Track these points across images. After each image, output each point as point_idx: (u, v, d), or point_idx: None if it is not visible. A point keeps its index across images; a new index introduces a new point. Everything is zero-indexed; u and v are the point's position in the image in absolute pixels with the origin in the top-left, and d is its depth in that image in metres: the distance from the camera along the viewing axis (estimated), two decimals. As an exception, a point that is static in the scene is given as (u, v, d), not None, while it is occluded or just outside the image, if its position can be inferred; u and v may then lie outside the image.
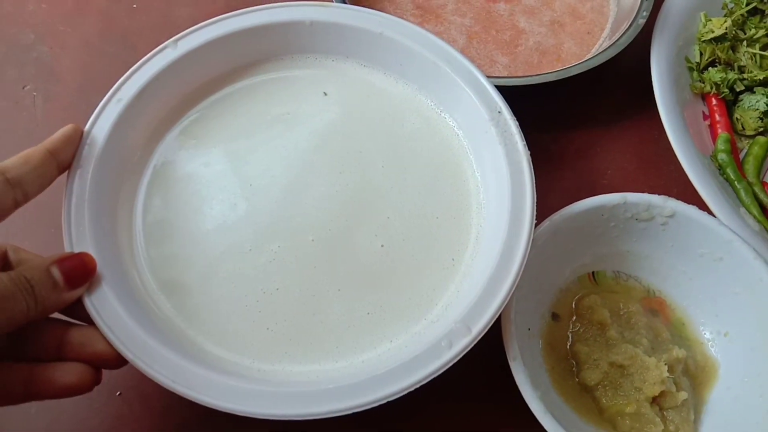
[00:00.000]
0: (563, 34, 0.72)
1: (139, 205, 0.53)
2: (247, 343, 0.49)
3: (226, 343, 0.49)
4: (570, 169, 0.68)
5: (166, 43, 0.57)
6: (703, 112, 0.70)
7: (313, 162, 0.56)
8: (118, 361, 0.44)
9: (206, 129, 0.57)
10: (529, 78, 0.62)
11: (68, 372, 0.43)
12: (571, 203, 0.60)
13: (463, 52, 0.68)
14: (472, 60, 0.58)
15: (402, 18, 0.69)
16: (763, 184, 0.65)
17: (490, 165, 0.55)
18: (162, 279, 0.50)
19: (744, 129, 0.69)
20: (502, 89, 0.56)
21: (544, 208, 0.57)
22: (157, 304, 0.49)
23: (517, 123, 0.55)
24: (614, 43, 0.65)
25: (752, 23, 0.74)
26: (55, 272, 0.43)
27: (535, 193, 0.52)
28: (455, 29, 0.71)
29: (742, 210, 0.61)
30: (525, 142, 0.54)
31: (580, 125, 0.70)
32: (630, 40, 0.65)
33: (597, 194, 0.65)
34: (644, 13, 0.67)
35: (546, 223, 0.55)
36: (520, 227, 0.50)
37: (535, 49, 0.70)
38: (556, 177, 0.67)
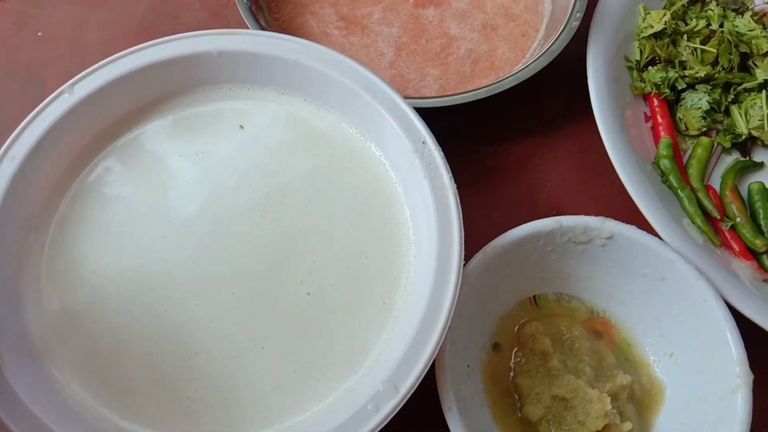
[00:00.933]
0: (496, 39, 0.68)
1: (43, 276, 0.49)
2: (165, 417, 0.46)
3: (143, 418, 0.46)
4: (509, 184, 0.65)
5: (61, 88, 0.53)
6: (645, 113, 0.67)
7: (231, 206, 0.53)
8: None
9: (112, 179, 0.53)
10: (458, 96, 0.59)
11: None
12: (511, 219, 0.58)
13: (391, 65, 0.65)
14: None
15: (326, 30, 0.66)
16: (707, 188, 0.63)
17: (419, 198, 0.52)
18: (71, 355, 0.47)
19: (687, 129, 0.66)
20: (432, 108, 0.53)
21: (484, 227, 0.56)
22: (67, 382, 0.46)
23: (443, 154, 0.52)
24: (546, 50, 0.61)
25: (693, 13, 0.71)
26: None
27: (462, 230, 0.49)
28: (382, 41, 0.67)
29: (686, 221, 0.59)
30: (451, 175, 0.51)
31: (518, 135, 0.67)
32: (563, 46, 0.62)
33: (537, 208, 0.63)
34: (577, 15, 0.63)
35: (478, 256, 0.52)
36: (447, 270, 0.48)
37: (467, 57, 0.67)
38: (496, 192, 0.64)
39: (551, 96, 0.68)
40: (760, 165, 0.66)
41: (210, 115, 0.57)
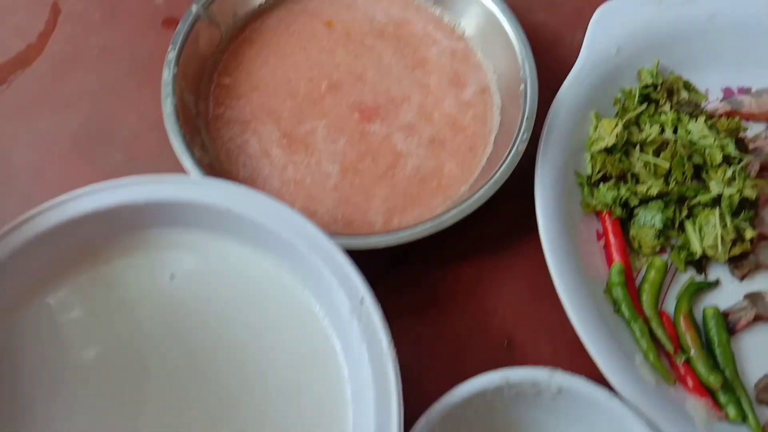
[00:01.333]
0: (444, 154, 0.66)
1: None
2: None
3: None
4: (459, 310, 0.63)
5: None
6: (598, 231, 0.65)
7: (156, 368, 0.50)
8: None
9: (20, 349, 0.50)
10: (403, 234, 0.57)
11: None
12: (460, 352, 0.57)
13: (336, 188, 0.63)
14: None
15: (269, 150, 0.63)
16: (661, 315, 0.61)
17: (356, 360, 0.50)
18: None
19: (641, 247, 0.64)
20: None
21: (431, 363, 0.58)
22: None
23: (382, 314, 0.49)
24: (491, 178, 0.59)
25: (646, 117, 0.69)
26: None
27: (401, 402, 0.47)
28: (327, 160, 0.64)
29: (639, 358, 0.57)
30: (391, 339, 0.48)
31: (468, 255, 0.65)
32: (509, 173, 0.60)
33: (488, 337, 0.62)
34: (524, 136, 0.61)
35: (422, 421, 0.50)
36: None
37: (414, 176, 0.64)
38: (445, 321, 0.62)
39: (502, 211, 0.66)
40: (716, 284, 0.64)
41: (138, 265, 0.54)
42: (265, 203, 0.52)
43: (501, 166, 0.60)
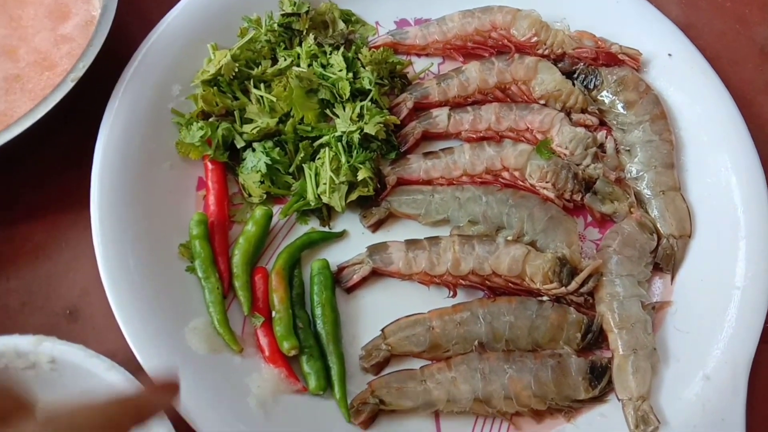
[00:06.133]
0: (21, 95, 0.55)
1: None
2: None
3: None
4: (21, 278, 0.52)
5: None
6: (201, 178, 0.56)
7: None
8: None
9: None
10: None
11: None
12: (12, 327, 0.46)
13: None
14: None
15: None
16: (257, 272, 0.52)
17: None
18: None
19: (251, 196, 0.55)
20: None
21: None
22: None
23: None
24: (29, 111, 0.49)
25: (281, 50, 0.59)
26: None
27: None
28: None
29: (193, 324, 0.49)
30: None
31: (49, 213, 0.54)
32: (48, 108, 0.49)
33: (47, 311, 0.51)
34: (80, 65, 0.51)
35: None
36: None
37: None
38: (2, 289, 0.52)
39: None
40: (339, 235, 0.55)
41: None
42: None
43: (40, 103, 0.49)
